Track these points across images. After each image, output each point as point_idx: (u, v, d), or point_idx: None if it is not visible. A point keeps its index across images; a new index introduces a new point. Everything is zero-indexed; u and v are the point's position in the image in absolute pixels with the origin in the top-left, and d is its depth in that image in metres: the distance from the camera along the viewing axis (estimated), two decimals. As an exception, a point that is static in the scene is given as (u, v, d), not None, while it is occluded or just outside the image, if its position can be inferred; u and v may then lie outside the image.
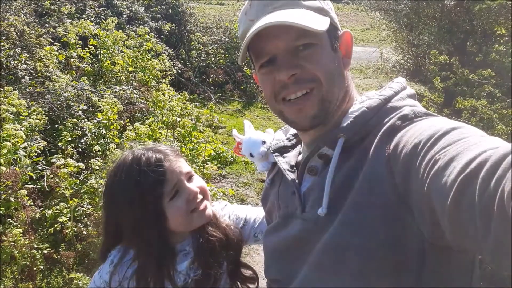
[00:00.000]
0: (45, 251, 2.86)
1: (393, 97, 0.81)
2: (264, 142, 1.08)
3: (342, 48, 0.86)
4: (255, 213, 1.27)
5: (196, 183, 1.10)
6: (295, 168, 0.91)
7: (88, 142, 3.81)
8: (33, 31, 5.03)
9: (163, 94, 5.18)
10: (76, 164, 3.02)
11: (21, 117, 3.42)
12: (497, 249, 0.47)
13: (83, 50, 5.36)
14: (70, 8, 6.05)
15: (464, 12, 7.32)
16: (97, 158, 3.29)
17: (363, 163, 0.75)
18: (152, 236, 1.04)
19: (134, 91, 5.12)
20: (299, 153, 0.97)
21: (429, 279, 0.70)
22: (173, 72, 6.79)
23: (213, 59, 8.31)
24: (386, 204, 0.70)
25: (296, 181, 0.88)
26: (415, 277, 0.70)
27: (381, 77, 10.21)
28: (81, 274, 2.74)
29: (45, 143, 3.48)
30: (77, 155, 3.63)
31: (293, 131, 1.04)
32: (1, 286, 2.56)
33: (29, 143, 3.17)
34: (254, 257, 3.32)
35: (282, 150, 0.99)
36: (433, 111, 0.82)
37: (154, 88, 5.79)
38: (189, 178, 1.09)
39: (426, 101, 5.39)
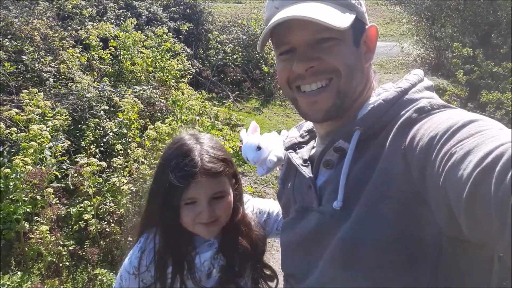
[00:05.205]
0: (70, 248, 2.95)
1: (410, 89, 0.80)
2: (259, 148, 1.10)
3: (366, 43, 0.85)
4: (278, 206, 1.27)
5: (221, 206, 1.06)
6: (308, 162, 0.91)
7: (110, 142, 3.90)
8: (56, 34, 5.18)
9: (182, 93, 5.23)
10: (99, 163, 3.09)
11: (46, 118, 3.52)
12: None
13: (104, 52, 5.48)
14: (91, 11, 6.19)
15: (488, 3, 7.08)
16: (119, 157, 3.36)
17: (379, 156, 0.74)
18: (171, 221, 1.06)
19: (154, 90, 5.20)
20: (313, 147, 0.96)
21: (446, 274, 0.68)
22: (191, 71, 6.86)
23: (230, 57, 8.33)
24: (403, 197, 0.69)
25: (312, 175, 0.88)
26: (431, 271, 0.68)
27: (402, 72, 10.00)
28: (105, 270, 2.80)
29: (69, 142, 3.58)
30: (99, 154, 3.72)
31: (306, 128, 1.04)
32: (29, 282, 2.65)
33: (54, 143, 3.26)
34: (274, 254, 3.32)
35: (295, 147, 1.00)
36: (456, 105, 0.79)
37: (173, 88, 5.86)
38: (217, 198, 1.05)
39: (449, 95, 5.24)
